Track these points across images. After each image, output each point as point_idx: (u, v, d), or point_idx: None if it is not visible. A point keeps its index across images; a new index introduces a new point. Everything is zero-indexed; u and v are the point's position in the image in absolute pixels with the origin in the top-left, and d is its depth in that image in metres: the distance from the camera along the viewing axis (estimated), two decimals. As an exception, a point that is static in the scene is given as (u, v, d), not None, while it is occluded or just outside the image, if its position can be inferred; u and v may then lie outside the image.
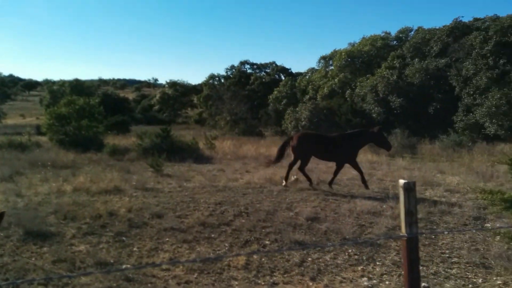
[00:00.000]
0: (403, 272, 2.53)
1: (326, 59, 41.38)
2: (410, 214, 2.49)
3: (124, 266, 4.46)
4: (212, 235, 5.67)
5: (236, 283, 4.21)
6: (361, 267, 4.77)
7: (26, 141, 16.48)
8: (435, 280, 4.40)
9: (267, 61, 53.63)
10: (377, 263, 4.88)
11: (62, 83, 57.35)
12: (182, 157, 13.96)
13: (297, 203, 7.65)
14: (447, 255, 5.11)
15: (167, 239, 5.45)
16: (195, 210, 6.95)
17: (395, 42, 36.35)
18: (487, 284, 4.28)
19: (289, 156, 10.07)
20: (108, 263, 4.52)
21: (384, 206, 7.41)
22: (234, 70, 52.68)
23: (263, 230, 5.93)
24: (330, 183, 9.23)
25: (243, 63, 53.22)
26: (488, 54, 24.60)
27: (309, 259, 4.92)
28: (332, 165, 10.08)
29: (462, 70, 25.65)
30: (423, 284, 4.23)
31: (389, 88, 28.22)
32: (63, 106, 21.50)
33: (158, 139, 15.33)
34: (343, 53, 35.91)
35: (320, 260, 4.91)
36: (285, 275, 4.46)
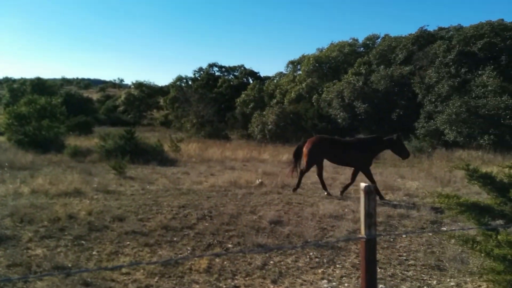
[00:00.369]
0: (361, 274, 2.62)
1: (294, 64, 41.93)
2: (370, 216, 2.58)
3: (82, 269, 4.35)
4: (175, 239, 5.63)
5: (198, 286, 4.20)
6: (322, 269, 4.86)
7: (-18, 140, 15.75)
8: (392, 282, 4.55)
9: (236, 64, 53.77)
10: (337, 265, 4.99)
11: (23, 81, 55.23)
12: (146, 159, 13.78)
13: (261, 207, 7.71)
14: (404, 258, 5.29)
15: (128, 242, 5.37)
16: (158, 213, 6.88)
17: (362, 48, 37.26)
18: (441, 286, 4.46)
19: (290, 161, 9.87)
20: (66, 267, 4.40)
21: (346, 210, 7.59)
22: (202, 72, 52.43)
23: (226, 234, 5.95)
24: (343, 192, 8.95)
25: (211, 65, 53.08)
26: (451, 63, 25.62)
27: (271, 262, 4.97)
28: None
29: (425, 78, 26.61)
30: (380, 286, 4.37)
31: (354, 94, 28.89)
32: (23, 105, 20.78)
33: (122, 141, 15.06)
34: (311, 58, 36.48)
35: (282, 263, 4.98)
36: (247, 278, 4.49)
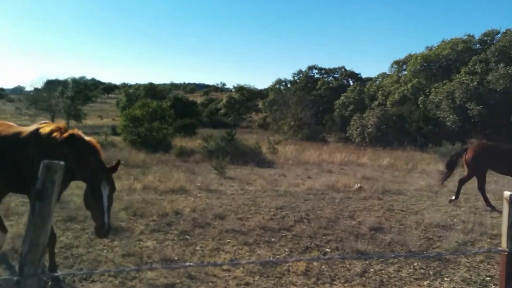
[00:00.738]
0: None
1: (399, 64, 39.91)
2: (514, 227, 2.29)
3: (187, 264, 4.62)
4: (273, 239, 5.70)
5: (295, 289, 4.19)
6: (427, 282, 4.52)
7: (103, 140, 17.63)
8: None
9: (336, 66, 52.92)
10: (445, 279, 4.60)
11: (138, 86, 60.73)
12: (244, 160, 14.19)
13: (360, 212, 7.45)
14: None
15: (229, 240, 5.56)
16: (256, 214, 7.03)
17: (478, 45, 33.99)
18: None
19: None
20: (172, 260, 4.71)
21: (455, 220, 6.99)
22: (301, 75, 52.55)
23: (324, 238, 5.85)
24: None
25: (311, 68, 52.96)
26: None
27: (371, 270, 4.76)
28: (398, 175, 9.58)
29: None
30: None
31: (467, 95, 26.53)
32: (138, 109, 22.78)
33: (223, 142, 15.73)
34: (418, 57, 34.38)
35: (383, 271, 4.74)
36: (346, 285, 4.35)
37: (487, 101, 25.91)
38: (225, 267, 4.52)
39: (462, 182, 8.49)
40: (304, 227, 6.33)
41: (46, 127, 3.82)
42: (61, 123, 3.98)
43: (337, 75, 52.39)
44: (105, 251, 4.83)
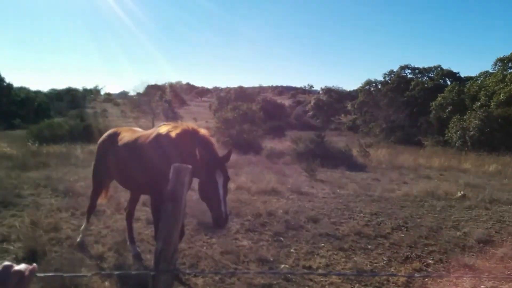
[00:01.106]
0: None
1: (504, 61, 36.16)
2: None
3: (282, 266, 4.64)
4: (369, 246, 5.49)
5: (396, 300, 3.98)
6: (551, 306, 4.01)
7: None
8: None
9: (431, 65, 49.67)
10: None
11: (228, 90, 62.99)
12: (335, 163, 13.92)
13: (465, 222, 6.87)
14: None
15: (323, 244, 5.48)
16: (350, 219, 6.84)
17: None
18: None
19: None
20: (268, 261, 4.76)
21: None
22: (393, 75, 50.21)
23: (426, 248, 5.48)
24: None
25: (403, 67, 50.36)
26: None
27: (482, 286, 4.35)
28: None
29: None
30: None
31: None
32: (229, 111, 23.62)
33: (312, 145, 15.63)
34: (527, 54, 30.90)
35: (496, 290, 4.30)
36: (453, 301, 4.03)
37: None
38: (321, 271, 4.46)
39: None
40: (402, 235, 6.01)
41: (163, 127, 4.02)
42: (182, 123, 4.06)
43: (432, 75, 49.10)
44: (204, 248, 5.04)
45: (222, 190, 3.44)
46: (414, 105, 42.26)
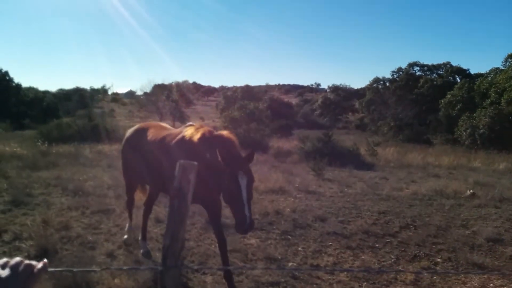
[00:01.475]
0: None
1: (515, 58, 35.82)
2: None
3: (290, 264, 4.66)
4: (377, 245, 5.49)
5: (404, 298, 3.98)
6: (562, 305, 3.98)
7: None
8: None
9: (440, 62, 49.31)
10: None
11: (235, 89, 63.08)
12: (342, 162, 13.88)
13: (475, 221, 6.83)
14: None
15: (330, 243, 5.49)
16: (358, 217, 6.84)
17: None
18: None
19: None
20: (276, 259, 4.79)
21: None
22: (401, 72, 49.91)
23: (434, 247, 5.47)
24: None
25: (411, 65, 50.06)
26: None
27: (491, 285, 4.34)
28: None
29: None
30: None
31: None
32: (236, 110, 23.67)
33: (320, 143, 15.60)
34: (537, 50, 30.52)
35: (505, 288, 4.29)
36: (461, 299, 4.02)
37: None
38: (329, 270, 4.47)
39: None
40: (410, 234, 6.00)
41: (189, 130, 3.88)
42: (203, 126, 3.94)
43: (441, 72, 48.77)
44: (213, 246, 5.08)
45: (246, 192, 3.24)
46: (423, 103, 41.99)
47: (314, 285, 4.16)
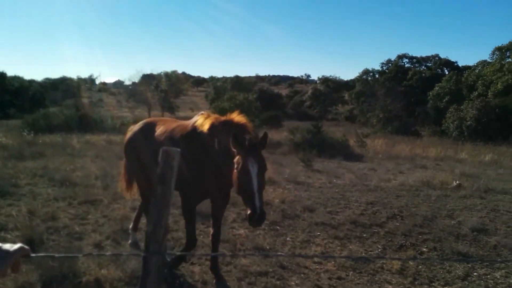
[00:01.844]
0: None
1: (502, 50, 36.13)
2: None
3: (278, 253, 4.68)
4: (364, 235, 5.54)
5: (390, 287, 4.03)
6: (542, 292, 4.08)
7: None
8: None
9: (429, 54, 49.65)
10: None
11: (225, 80, 62.77)
12: (331, 153, 13.98)
13: (460, 211, 6.94)
14: None
15: (319, 233, 5.53)
16: (346, 208, 6.89)
17: None
18: None
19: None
20: (264, 249, 4.81)
21: None
22: (390, 64, 50.20)
23: (420, 236, 5.54)
24: None
25: (401, 56, 50.37)
26: None
27: (475, 273, 4.41)
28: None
29: None
30: None
31: None
32: (225, 101, 23.58)
33: (309, 135, 15.65)
34: (525, 43, 30.88)
35: (489, 276, 4.37)
36: (446, 287, 4.09)
37: None
38: (316, 259, 4.51)
39: None
40: (397, 224, 6.07)
41: (200, 119, 3.69)
42: (214, 114, 3.73)
43: (430, 64, 49.17)
44: (201, 236, 5.08)
45: (257, 181, 2.96)
46: (412, 95, 42.30)
47: (302, 275, 4.19)
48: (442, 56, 48.92)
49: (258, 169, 3.00)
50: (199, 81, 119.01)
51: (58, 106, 34.49)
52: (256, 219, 2.89)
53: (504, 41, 37.35)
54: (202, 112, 3.88)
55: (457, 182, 9.06)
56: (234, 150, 3.10)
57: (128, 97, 55.25)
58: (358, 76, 53.33)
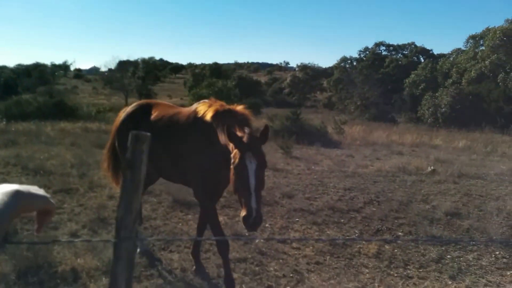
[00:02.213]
0: None
1: (476, 39, 36.86)
2: None
3: (257, 240, 4.71)
4: (342, 220, 5.63)
5: (367, 270, 4.12)
6: (511, 272, 4.24)
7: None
8: None
9: (406, 42, 50.29)
10: (532, 271, 4.28)
11: (203, 66, 62.11)
12: (310, 140, 14.07)
13: (434, 196, 7.12)
14: None
15: (297, 219, 5.58)
16: (324, 194, 6.97)
17: None
18: None
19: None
20: (243, 235, 4.82)
21: (543, 208, 6.43)
22: (368, 52, 50.65)
23: (396, 221, 5.67)
24: None
25: (378, 44, 50.88)
26: None
27: (448, 256, 4.55)
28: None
29: None
30: None
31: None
32: (204, 88, 23.39)
33: (288, 122, 15.69)
34: (497, 31, 31.54)
35: (461, 259, 4.51)
36: (421, 270, 4.20)
37: None
38: (294, 245, 4.56)
39: None
40: (374, 209, 6.18)
41: (201, 107, 3.44)
42: (216, 102, 3.43)
43: (406, 52, 49.88)
44: (180, 224, 5.06)
45: (254, 179, 2.64)
46: (389, 82, 42.87)
47: (281, 260, 4.23)
48: (418, 44, 49.71)
49: (256, 166, 2.68)
50: (177, 68, 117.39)
51: (31, 93, 33.50)
52: (251, 223, 2.57)
53: (477, 30, 38.21)
54: (204, 100, 3.59)
55: (432, 167, 9.27)
56: (231, 142, 2.81)
57: (104, 84, 54.04)
58: (336, 64, 53.63)
